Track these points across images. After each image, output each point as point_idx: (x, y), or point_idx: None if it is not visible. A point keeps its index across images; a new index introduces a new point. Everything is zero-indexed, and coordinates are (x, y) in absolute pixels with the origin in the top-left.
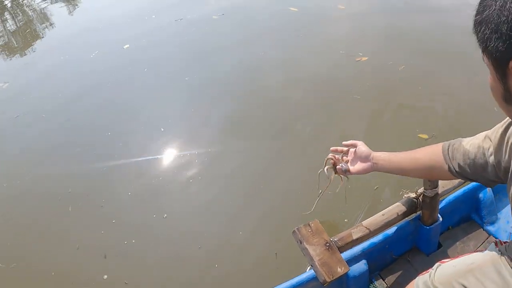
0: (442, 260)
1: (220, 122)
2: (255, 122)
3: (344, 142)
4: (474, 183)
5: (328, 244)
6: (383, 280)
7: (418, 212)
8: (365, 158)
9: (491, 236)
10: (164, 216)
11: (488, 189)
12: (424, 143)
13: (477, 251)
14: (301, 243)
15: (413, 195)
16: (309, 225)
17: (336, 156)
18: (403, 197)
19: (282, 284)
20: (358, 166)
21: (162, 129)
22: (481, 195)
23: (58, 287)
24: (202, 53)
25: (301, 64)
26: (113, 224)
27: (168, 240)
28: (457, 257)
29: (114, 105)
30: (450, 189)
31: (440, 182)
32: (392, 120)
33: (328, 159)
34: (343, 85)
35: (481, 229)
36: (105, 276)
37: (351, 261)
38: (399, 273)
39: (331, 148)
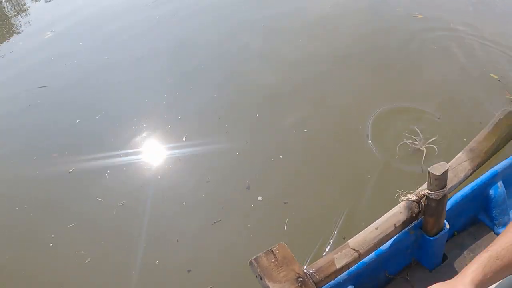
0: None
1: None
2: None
3: None
4: (483, 177)
5: (301, 279)
6: None
7: (420, 219)
8: None
9: None
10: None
11: (499, 184)
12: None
13: None
14: (261, 279)
15: (413, 197)
16: (272, 252)
17: None
18: (400, 200)
19: None
20: None
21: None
22: (491, 191)
23: None
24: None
25: None
26: None
27: None
28: None
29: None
30: (456, 185)
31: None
32: None
33: None
34: None
35: (492, 232)
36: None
37: None
38: None
39: None
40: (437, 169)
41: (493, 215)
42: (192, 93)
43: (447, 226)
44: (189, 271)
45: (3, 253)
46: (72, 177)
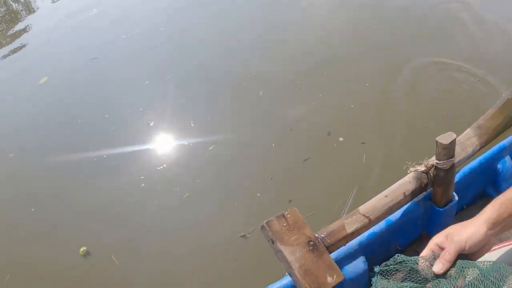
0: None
1: None
2: None
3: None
4: (491, 151)
5: (312, 243)
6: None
7: (429, 190)
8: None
9: None
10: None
11: (507, 159)
12: None
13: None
14: (273, 243)
15: (421, 168)
16: (283, 216)
17: None
18: (409, 172)
19: None
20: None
21: None
22: (499, 165)
23: None
24: None
25: None
26: None
27: None
28: None
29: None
30: (464, 159)
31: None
32: None
33: None
34: None
35: None
36: None
37: (345, 259)
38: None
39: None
40: (444, 138)
41: (501, 189)
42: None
43: (456, 198)
44: (290, 201)
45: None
46: None
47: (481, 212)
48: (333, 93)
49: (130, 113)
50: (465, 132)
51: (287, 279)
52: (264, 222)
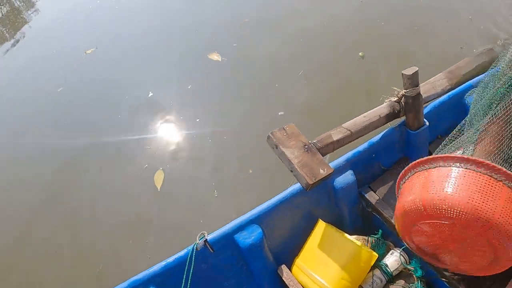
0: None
1: None
2: None
3: None
4: (458, 88)
5: (306, 146)
6: (374, 192)
7: (403, 118)
8: None
9: None
10: None
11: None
12: None
13: None
14: (276, 147)
15: (394, 98)
16: (283, 129)
17: None
18: (384, 102)
19: (268, 201)
20: None
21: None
22: (468, 100)
23: None
24: None
25: None
26: None
27: None
28: None
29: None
30: (433, 95)
31: (422, 89)
32: None
33: None
34: None
35: None
36: None
37: (336, 172)
38: (390, 183)
39: None
40: (408, 71)
41: None
42: None
43: (427, 123)
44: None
45: None
46: None
47: None
48: None
49: None
50: (436, 76)
51: (293, 186)
52: (269, 132)
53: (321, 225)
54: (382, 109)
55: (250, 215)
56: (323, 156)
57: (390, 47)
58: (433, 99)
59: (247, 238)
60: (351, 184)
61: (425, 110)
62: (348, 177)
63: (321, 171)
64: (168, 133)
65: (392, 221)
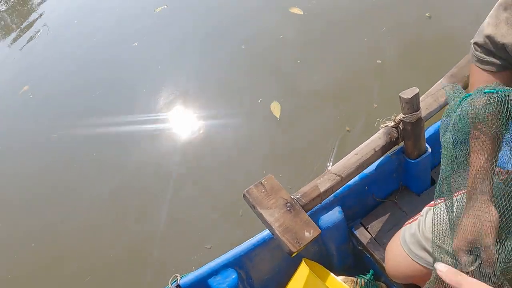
0: (432, 203)
1: None
2: None
3: None
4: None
5: (289, 204)
6: (366, 229)
7: (401, 144)
8: None
9: None
10: None
11: None
12: None
13: None
14: (254, 208)
15: (391, 123)
16: (261, 183)
17: None
18: (380, 128)
19: (245, 242)
20: None
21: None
22: None
23: None
24: None
25: None
26: None
27: None
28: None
29: None
30: (436, 110)
31: (422, 104)
32: None
33: None
34: None
35: None
36: None
37: (322, 210)
38: (385, 218)
39: None
40: (407, 93)
41: None
42: None
43: (429, 149)
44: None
45: None
46: None
47: None
48: None
49: None
50: (437, 83)
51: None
52: (245, 190)
53: (304, 267)
54: (377, 140)
55: (226, 258)
56: (307, 212)
57: None
58: (437, 112)
59: (221, 283)
60: (338, 223)
61: (427, 133)
62: (335, 215)
63: (306, 234)
64: None
65: (384, 264)
